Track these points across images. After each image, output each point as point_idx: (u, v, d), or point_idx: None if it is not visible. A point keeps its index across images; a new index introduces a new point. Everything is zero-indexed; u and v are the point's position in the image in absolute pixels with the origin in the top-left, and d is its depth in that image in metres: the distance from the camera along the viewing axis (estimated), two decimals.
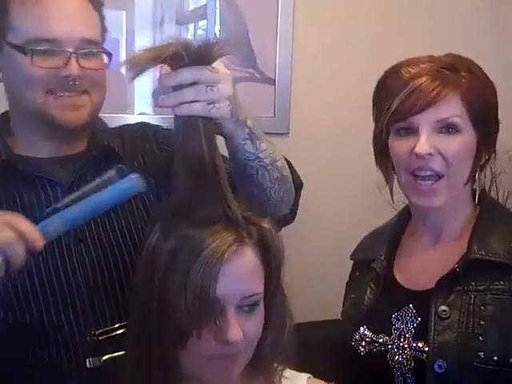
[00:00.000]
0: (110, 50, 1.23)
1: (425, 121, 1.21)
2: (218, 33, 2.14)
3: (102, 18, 1.24)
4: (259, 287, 0.95)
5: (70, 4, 1.18)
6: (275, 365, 1.04)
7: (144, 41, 2.09)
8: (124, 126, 1.38)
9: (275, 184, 1.16)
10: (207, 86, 0.97)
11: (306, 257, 2.04)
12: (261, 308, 0.96)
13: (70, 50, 1.15)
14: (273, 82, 2.15)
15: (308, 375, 1.10)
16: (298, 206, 1.29)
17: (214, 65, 0.98)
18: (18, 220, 0.94)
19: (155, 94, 1.01)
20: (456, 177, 1.24)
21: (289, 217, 1.27)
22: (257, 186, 1.15)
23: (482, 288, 1.21)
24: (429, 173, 1.22)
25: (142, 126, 1.38)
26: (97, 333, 1.14)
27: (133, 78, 0.96)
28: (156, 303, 0.92)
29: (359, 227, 2.12)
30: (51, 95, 1.16)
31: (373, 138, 1.34)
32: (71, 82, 1.16)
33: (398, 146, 1.26)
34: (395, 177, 1.34)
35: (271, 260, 0.97)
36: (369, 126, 2.12)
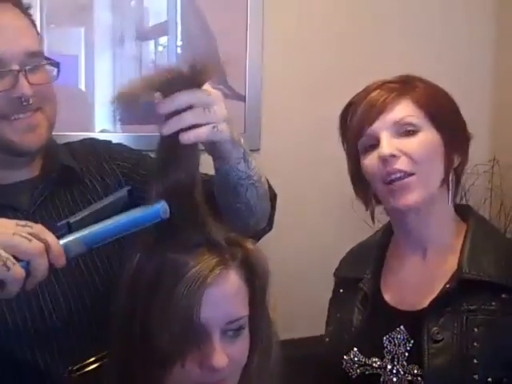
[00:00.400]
0: (55, 60, 1.16)
1: (381, 127, 1.23)
2: (179, 49, 2.11)
3: (34, 24, 1.16)
4: (244, 310, 0.92)
5: (4, 18, 1.10)
6: None
7: (104, 57, 2.04)
8: (72, 143, 1.31)
9: (261, 200, 1.13)
10: (204, 109, 0.93)
11: (280, 272, 2.01)
12: (246, 331, 0.93)
13: (16, 67, 1.07)
14: (243, 98, 2.14)
15: None
16: (274, 216, 1.28)
17: (204, 87, 0.95)
18: (44, 231, 0.86)
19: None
20: (427, 174, 1.23)
21: (267, 229, 1.26)
22: (244, 204, 1.12)
23: (473, 308, 1.19)
24: (398, 175, 1.21)
25: (92, 143, 1.32)
26: (75, 368, 1.07)
27: (125, 112, 0.92)
28: (138, 330, 0.87)
29: (334, 242, 2.12)
30: (5, 120, 1.09)
31: (348, 169, 1.35)
32: (25, 103, 1.08)
33: (367, 161, 1.26)
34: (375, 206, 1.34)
35: (256, 282, 0.94)
36: (340, 142, 2.13)
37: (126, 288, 0.91)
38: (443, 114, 1.26)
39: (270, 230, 1.27)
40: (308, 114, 2.21)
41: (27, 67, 1.08)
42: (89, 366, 1.07)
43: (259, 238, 1.21)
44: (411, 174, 1.21)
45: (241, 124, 2.13)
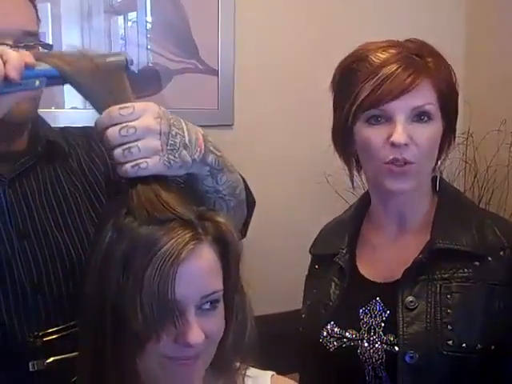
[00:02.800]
0: (48, 43, 1.16)
1: (400, 108, 1.17)
2: (149, 25, 2.08)
3: (35, 6, 1.16)
4: (218, 285, 0.90)
5: None
6: (238, 364, 0.98)
7: (72, 33, 1.99)
8: (67, 127, 1.31)
9: (231, 212, 1.10)
10: (124, 150, 0.89)
11: (253, 250, 2.02)
12: (221, 307, 0.91)
13: (10, 42, 1.06)
14: (216, 73, 2.11)
15: (272, 373, 1.05)
16: (249, 224, 1.24)
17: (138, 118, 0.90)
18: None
19: None
20: (425, 164, 1.21)
21: (240, 237, 1.22)
22: None
23: (446, 276, 1.20)
24: (401, 162, 1.18)
25: (87, 129, 1.29)
26: (40, 334, 1.07)
27: None
28: (111, 307, 0.85)
29: (309, 216, 2.11)
30: None
31: (334, 124, 1.29)
32: None
33: (370, 134, 1.20)
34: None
35: (229, 256, 0.91)
36: (313, 115, 2.11)
37: (96, 264, 0.89)
38: (451, 98, 1.23)
39: (243, 238, 1.20)
40: (281, 88, 2.19)
41: (21, 44, 1.08)
42: (56, 334, 1.07)
43: None
44: (412, 163, 1.18)
45: (214, 99, 2.12)
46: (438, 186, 1.30)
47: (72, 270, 1.12)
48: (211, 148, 1.00)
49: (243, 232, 1.22)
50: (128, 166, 0.89)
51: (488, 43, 2.35)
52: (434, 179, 1.31)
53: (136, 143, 0.89)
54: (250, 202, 1.21)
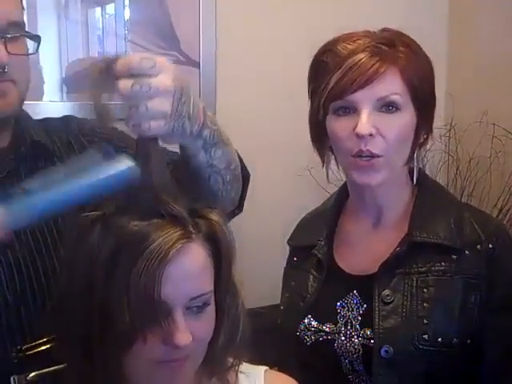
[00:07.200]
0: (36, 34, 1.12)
1: (364, 99, 1.16)
2: (128, 15, 2.04)
3: None
4: (209, 286, 0.88)
5: None
6: (230, 360, 0.96)
7: (48, 24, 1.95)
8: (49, 118, 1.25)
9: (227, 186, 1.07)
10: (131, 107, 0.84)
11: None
12: (211, 307, 0.88)
13: None
14: (197, 64, 2.10)
15: (265, 368, 1.03)
16: (245, 198, 1.20)
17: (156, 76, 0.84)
18: None
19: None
20: (395, 156, 1.19)
21: (236, 212, 1.19)
22: (207, 188, 1.05)
23: (423, 270, 1.19)
24: (367, 154, 1.17)
25: (67, 120, 1.25)
26: (23, 348, 1.03)
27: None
28: (98, 307, 0.82)
29: (290, 210, 2.09)
30: None
31: (309, 116, 1.28)
32: (0, 70, 1.03)
33: (337, 126, 1.20)
34: (332, 157, 1.29)
35: (221, 255, 0.89)
36: (297, 109, 2.08)
37: (84, 263, 0.86)
38: (424, 89, 1.20)
39: (239, 212, 1.20)
40: (264, 81, 2.18)
41: (7, 35, 1.04)
42: (39, 347, 1.03)
43: (230, 219, 1.14)
44: (379, 156, 1.17)
45: (196, 91, 2.04)
46: (417, 178, 1.28)
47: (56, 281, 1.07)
48: (208, 122, 0.96)
49: (240, 206, 1.19)
50: (129, 123, 0.85)
51: (471, 35, 2.35)
52: (413, 170, 1.29)
53: (145, 102, 0.84)
54: (245, 176, 1.17)
